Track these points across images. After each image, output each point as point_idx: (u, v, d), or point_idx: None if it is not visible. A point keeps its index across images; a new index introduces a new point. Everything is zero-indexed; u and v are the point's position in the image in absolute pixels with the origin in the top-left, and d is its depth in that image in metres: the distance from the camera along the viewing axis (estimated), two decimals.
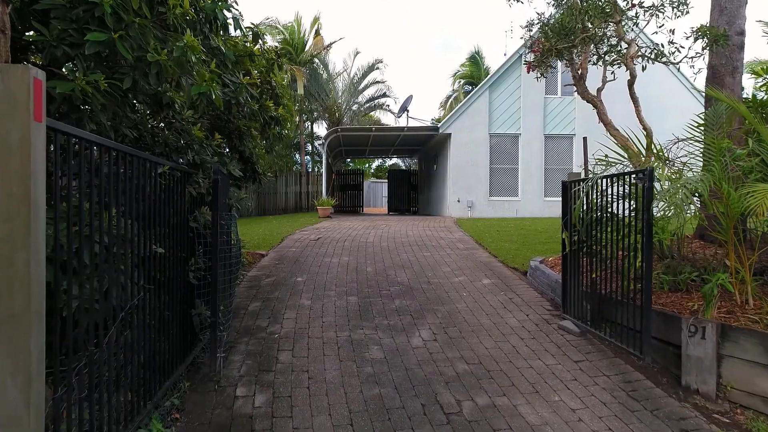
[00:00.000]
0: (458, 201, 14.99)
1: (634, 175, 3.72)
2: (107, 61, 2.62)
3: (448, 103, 28.24)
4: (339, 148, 21.00)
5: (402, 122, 18.65)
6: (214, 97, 2.64)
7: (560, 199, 4.83)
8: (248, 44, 5.00)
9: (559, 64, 7.16)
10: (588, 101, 5.85)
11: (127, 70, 2.48)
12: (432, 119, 25.33)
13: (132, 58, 2.40)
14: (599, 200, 4.33)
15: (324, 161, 17.45)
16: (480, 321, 4.88)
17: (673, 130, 5.62)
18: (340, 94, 23.91)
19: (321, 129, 26.89)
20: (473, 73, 26.68)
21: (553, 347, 4.28)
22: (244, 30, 3.83)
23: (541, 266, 6.14)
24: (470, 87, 25.67)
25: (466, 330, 4.65)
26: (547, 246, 8.07)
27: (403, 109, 18.37)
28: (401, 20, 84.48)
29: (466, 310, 5.19)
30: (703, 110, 4.78)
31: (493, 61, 27.64)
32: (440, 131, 15.33)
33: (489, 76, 15.96)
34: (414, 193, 22.76)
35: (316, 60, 22.51)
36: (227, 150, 5.23)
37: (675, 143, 4.60)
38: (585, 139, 4.94)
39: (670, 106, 13.47)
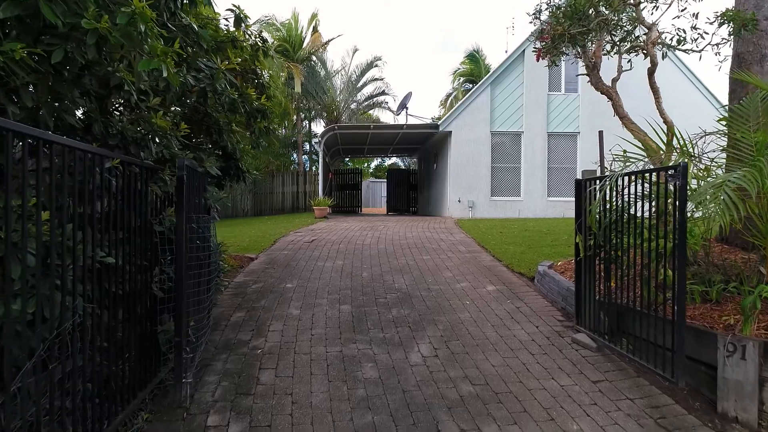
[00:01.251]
0: (459, 201, 14.53)
1: (664, 172, 3.25)
2: (40, 31, 2.17)
3: (448, 101, 27.82)
4: (336, 147, 20.52)
5: (401, 120, 18.18)
6: (166, 74, 2.18)
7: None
8: (229, 29, 4.55)
9: (563, 59, 6.67)
10: (602, 92, 5.40)
11: (59, 42, 2.02)
12: (432, 118, 24.83)
13: (63, 24, 1.95)
14: (618, 200, 3.87)
15: (320, 160, 16.95)
16: (485, 333, 4.42)
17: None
18: (338, 92, 23.46)
19: (319, 127, 26.42)
20: (473, 71, 26.27)
21: (567, 365, 3.83)
22: (214, 6, 3.35)
23: (549, 272, 5.68)
24: (470, 85, 25.24)
25: (470, 344, 4.20)
26: (554, 249, 7.61)
27: (403, 106, 17.88)
28: (400, 18, 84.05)
29: (470, 320, 4.74)
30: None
31: (493, 59, 27.20)
32: (440, 129, 14.86)
33: (491, 72, 15.48)
34: (413, 192, 22.30)
35: (314, 57, 22.06)
36: (209, 146, 4.78)
37: (701, 137, 4.15)
38: (601, 133, 4.49)
39: (670, 100, 12.96)
